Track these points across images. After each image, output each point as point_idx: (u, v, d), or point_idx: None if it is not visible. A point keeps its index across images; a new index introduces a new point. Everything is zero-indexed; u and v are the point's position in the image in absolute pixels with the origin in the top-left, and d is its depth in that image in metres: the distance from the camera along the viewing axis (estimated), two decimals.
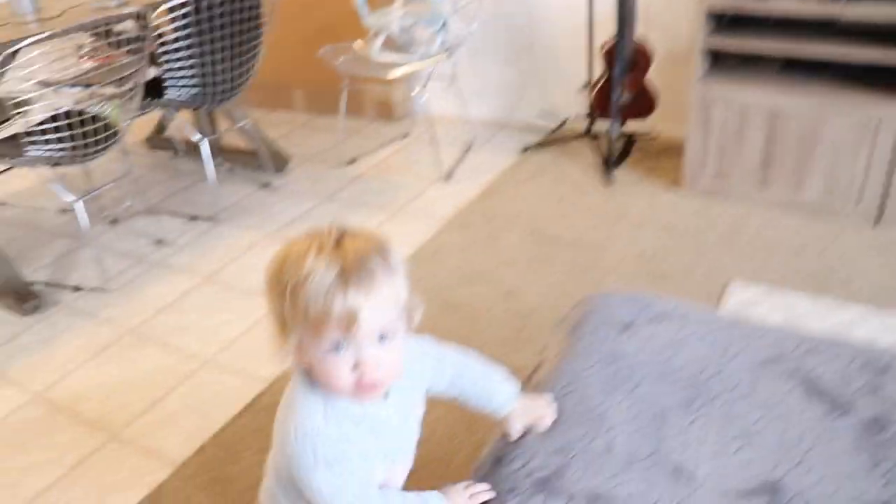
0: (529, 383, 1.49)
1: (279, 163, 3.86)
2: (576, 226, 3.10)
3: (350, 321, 0.95)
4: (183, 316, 2.79)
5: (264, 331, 2.59)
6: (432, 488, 1.88)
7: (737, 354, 1.46)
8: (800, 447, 1.27)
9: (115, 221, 3.51)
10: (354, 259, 0.97)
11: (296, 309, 0.97)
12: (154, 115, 4.15)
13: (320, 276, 0.95)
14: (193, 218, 3.49)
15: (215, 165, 3.55)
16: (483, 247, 3.02)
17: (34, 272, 3.15)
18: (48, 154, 2.76)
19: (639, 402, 1.36)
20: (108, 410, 2.35)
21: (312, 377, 1.07)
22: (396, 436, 1.16)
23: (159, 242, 3.31)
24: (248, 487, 1.99)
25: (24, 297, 2.88)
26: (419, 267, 2.89)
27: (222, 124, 3.94)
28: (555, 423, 1.32)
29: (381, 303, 0.98)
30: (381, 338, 1.01)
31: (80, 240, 3.31)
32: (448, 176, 3.65)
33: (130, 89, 2.85)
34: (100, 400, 2.40)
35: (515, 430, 1.32)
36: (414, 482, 1.37)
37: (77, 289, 3.01)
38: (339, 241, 0.99)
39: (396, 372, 1.08)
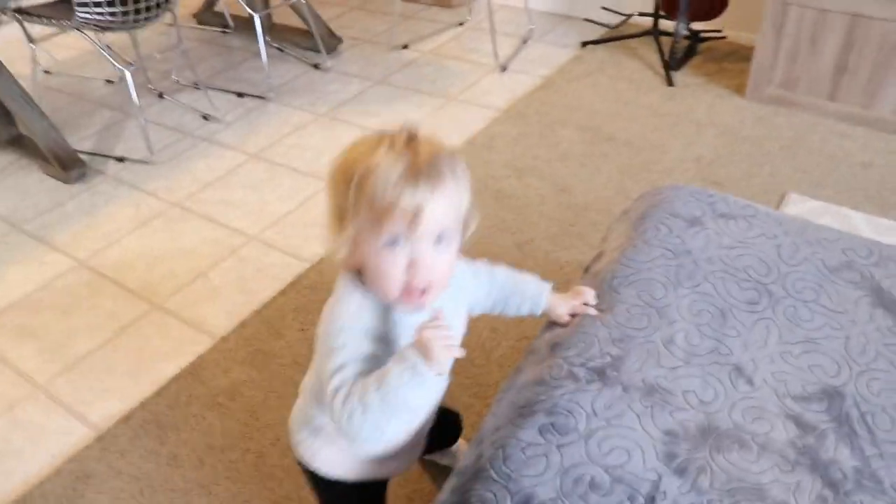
0: (589, 272, 1.44)
1: (331, 44, 3.76)
2: (633, 125, 3.00)
3: (415, 215, 0.94)
4: (229, 192, 2.76)
5: (311, 211, 2.59)
6: (471, 379, 1.88)
7: (805, 259, 1.40)
8: (864, 357, 1.22)
9: (161, 95, 3.46)
10: (426, 156, 0.96)
11: (360, 198, 0.96)
12: None
13: (390, 167, 0.94)
14: (242, 95, 3.43)
15: (266, 43, 3.46)
16: (537, 140, 2.93)
17: (79, 141, 3.13)
18: (98, 18, 2.70)
19: (702, 298, 1.31)
20: (152, 280, 2.36)
21: (361, 278, 1.05)
22: None
23: (206, 118, 3.26)
24: (290, 363, 2.00)
25: (70, 165, 2.87)
26: (472, 156, 2.83)
27: (274, 0, 3.84)
28: (615, 313, 1.28)
29: (446, 203, 0.97)
30: (439, 240, 0.99)
31: (127, 111, 3.27)
32: (504, 66, 3.54)
33: None
34: (144, 270, 2.40)
35: (563, 316, 1.32)
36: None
37: (122, 159, 3.00)
38: (410, 139, 0.98)
39: (445, 280, 1.05)
